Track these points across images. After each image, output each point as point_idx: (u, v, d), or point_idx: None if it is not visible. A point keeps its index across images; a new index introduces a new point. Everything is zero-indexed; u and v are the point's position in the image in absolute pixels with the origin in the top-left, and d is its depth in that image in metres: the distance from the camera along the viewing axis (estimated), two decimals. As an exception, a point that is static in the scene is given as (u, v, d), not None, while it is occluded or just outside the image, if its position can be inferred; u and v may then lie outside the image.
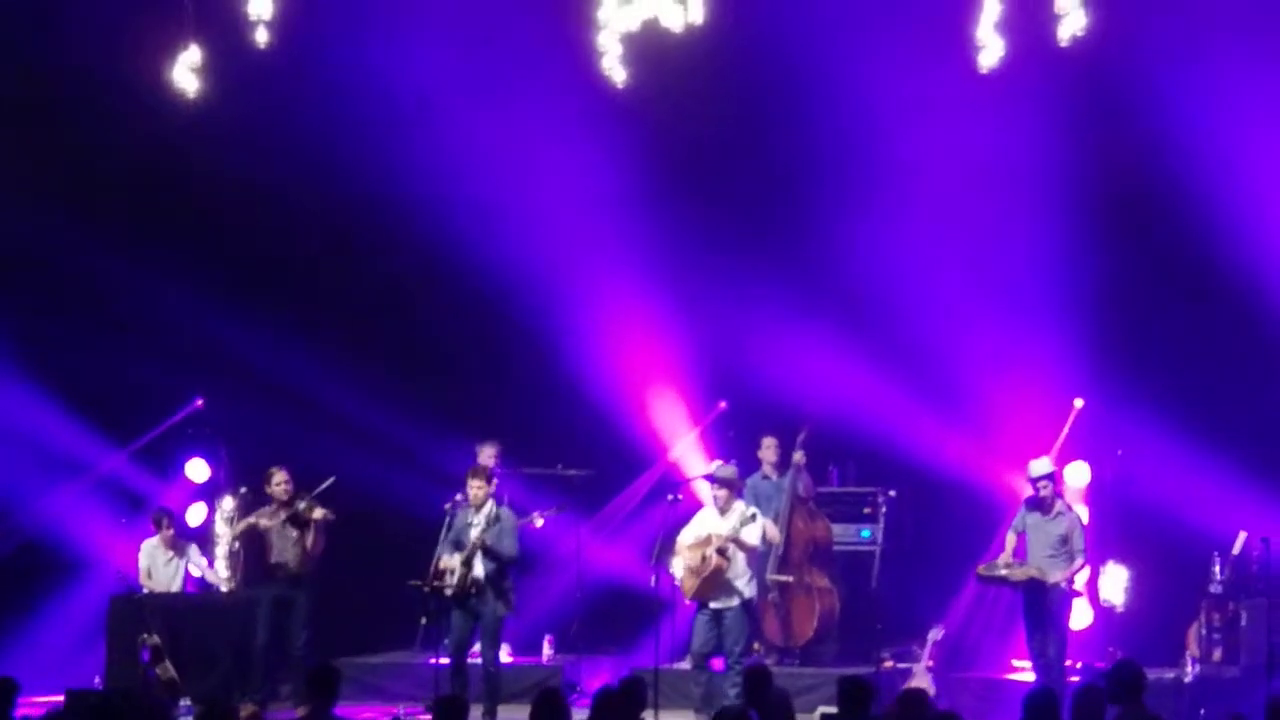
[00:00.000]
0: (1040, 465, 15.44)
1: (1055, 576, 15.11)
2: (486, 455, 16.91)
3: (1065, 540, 15.23)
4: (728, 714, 10.57)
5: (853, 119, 16.80)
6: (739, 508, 15.07)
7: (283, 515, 15.83)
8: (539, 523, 16.35)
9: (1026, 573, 15.19)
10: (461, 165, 17.41)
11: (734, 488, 15.22)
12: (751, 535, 15.02)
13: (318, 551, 15.90)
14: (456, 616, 15.09)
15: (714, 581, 14.89)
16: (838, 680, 11.40)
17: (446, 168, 17.36)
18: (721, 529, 14.94)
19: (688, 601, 15.20)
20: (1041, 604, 15.19)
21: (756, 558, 15.48)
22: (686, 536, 15.14)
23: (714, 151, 17.78)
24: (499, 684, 15.08)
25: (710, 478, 15.42)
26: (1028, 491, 15.57)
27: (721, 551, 14.82)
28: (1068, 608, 15.47)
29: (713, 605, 14.98)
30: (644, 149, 17.45)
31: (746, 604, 15.10)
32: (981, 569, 15.56)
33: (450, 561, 15.01)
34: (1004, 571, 15.32)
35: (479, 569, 14.98)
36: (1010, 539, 15.48)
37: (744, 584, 15.04)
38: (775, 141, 17.58)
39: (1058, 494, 15.45)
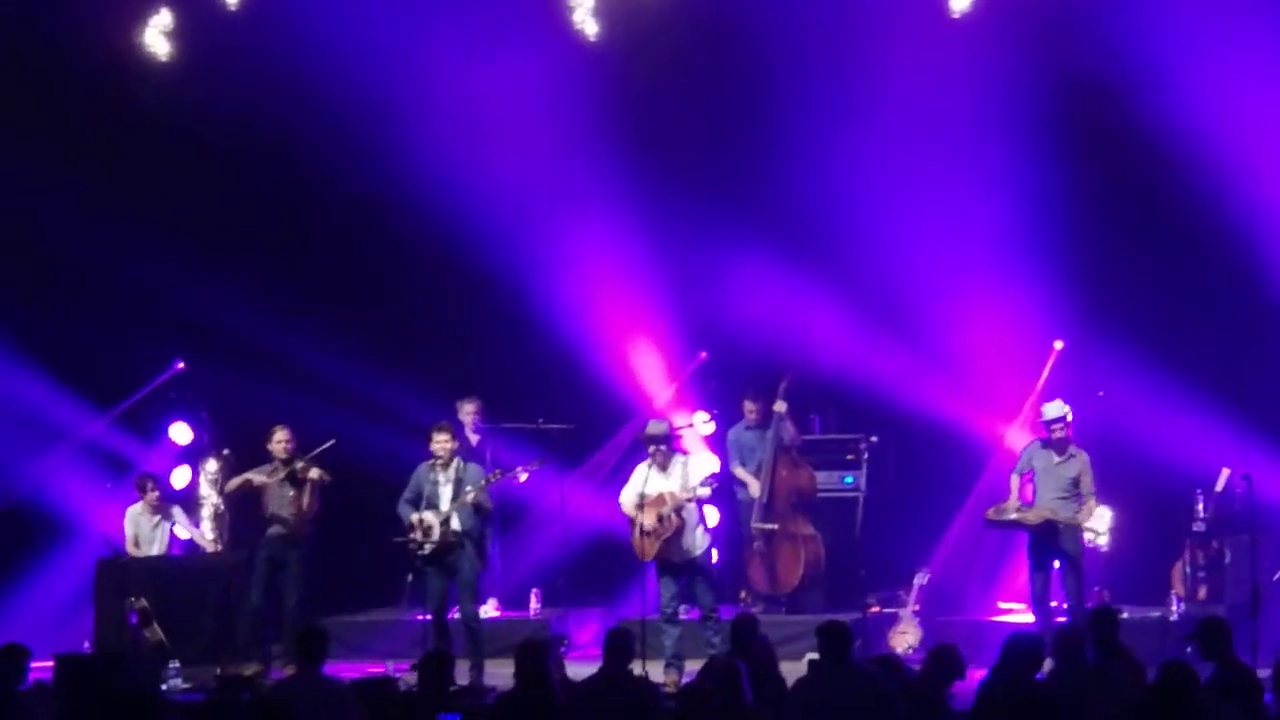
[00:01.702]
0: (1054, 408, 15.37)
1: (1081, 519, 15.11)
2: (466, 412, 16.91)
3: (1077, 482, 15.23)
4: (716, 664, 10.58)
5: (826, 65, 16.73)
6: (679, 461, 15.09)
7: (281, 473, 15.85)
8: (523, 478, 16.31)
9: (1040, 515, 15.16)
10: (436, 121, 17.34)
11: (668, 442, 15.14)
12: (706, 490, 15.00)
13: (313, 512, 15.92)
14: (431, 574, 15.07)
15: (674, 541, 14.93)
16: (816, 627, 11.43)
17: (421, 124, 17.30)
18: (671, 487, 14.93)
19: (646, 561, 15.13)
20: (1053, 546, 15.18)
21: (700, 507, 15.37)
22: (629, 496, 15.09)
23: (688, 101, 17.69)
24: (481, 638, 15.07)
25: (643, 437, 15.33)
26: (1017, 439, 15.52)
27: (679, 510, 14.85)
28: (1084, 547, 15.47)
29: (674, 561, 15.00)
30: (618, 101, 17.40)
31: (706, 554, 15.18)
32: (991, 513, 15.49)
33: (431, 519, 15.00)
34: (1015, 515, 15.27)
35: (456, 522, 14.99)
36: (1015, 482, 15.46)
37: (699, 536, 15.08)
38: (749, 89, 17.48)
39: (1069, 437, 15.43)
